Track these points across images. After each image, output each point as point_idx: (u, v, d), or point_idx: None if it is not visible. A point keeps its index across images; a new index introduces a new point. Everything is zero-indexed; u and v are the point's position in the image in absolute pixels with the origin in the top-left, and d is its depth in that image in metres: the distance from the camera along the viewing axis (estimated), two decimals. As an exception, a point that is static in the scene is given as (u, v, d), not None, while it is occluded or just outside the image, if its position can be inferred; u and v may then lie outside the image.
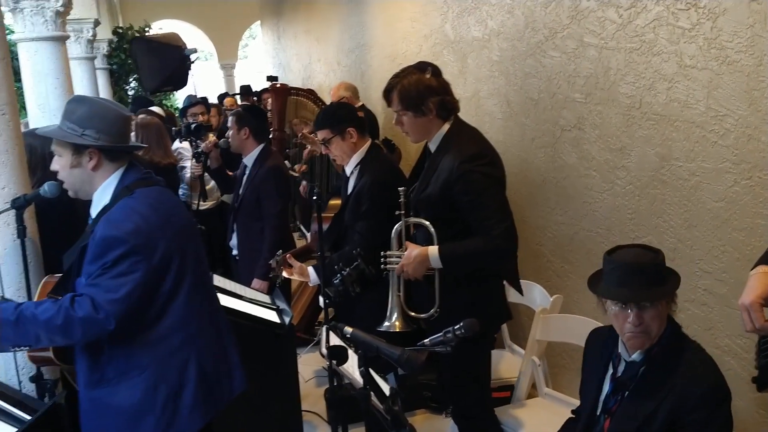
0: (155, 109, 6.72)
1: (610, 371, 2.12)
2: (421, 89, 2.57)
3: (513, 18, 3.67)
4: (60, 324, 2.01)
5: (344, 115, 3.26)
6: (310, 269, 3.07)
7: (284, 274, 3.01)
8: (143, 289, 2.08)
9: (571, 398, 3.01)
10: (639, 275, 1.95)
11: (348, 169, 3.26)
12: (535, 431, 2.82)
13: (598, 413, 2.12)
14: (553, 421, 2.85)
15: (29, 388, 2.49)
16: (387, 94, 2.65)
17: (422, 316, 2.65)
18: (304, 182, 5.51)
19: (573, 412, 2.38)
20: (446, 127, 2.62)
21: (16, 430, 2.05)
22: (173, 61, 8.00)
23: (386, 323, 2.67)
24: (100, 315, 2.01)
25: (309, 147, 5.33)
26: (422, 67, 2.63)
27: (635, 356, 2.03)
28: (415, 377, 3.81)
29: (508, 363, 3.50)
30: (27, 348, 2.15)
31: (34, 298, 2.46)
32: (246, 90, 10.06)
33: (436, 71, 2.64)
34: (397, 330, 2.66)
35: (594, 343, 2.24)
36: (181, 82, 8.48)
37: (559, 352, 3.59)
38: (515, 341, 3.65)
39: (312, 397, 3.98)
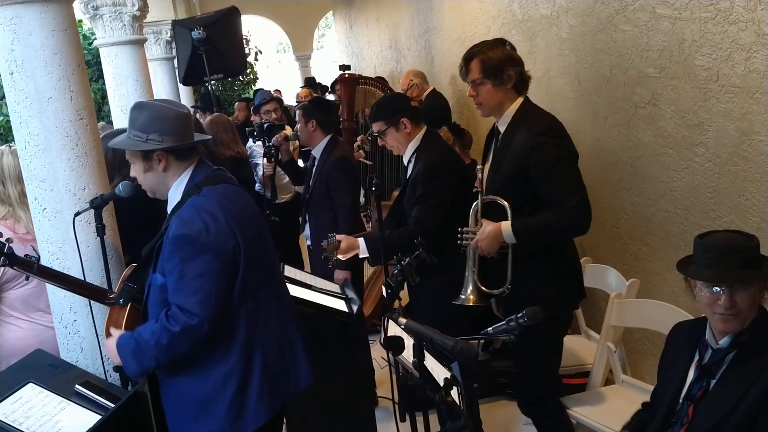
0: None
1: (696, 359, 2.06)
2: (504, 58, 2.62)
3: (581, -8, 3.54)
4: (166, 344, 2.11)
5: (396, 105, 3.28)
6: (361, 240, 3.11)
7: (338, 256, 3.04)
8: (223, 286, 2.14)
9: (650, 385, 2.89)
10: (732, 256, 1.93)
11: (405, 158, 3.29)
12: (609, 419, 2.74)
13: (681, 400, 2.06)
14: (629, 409, 2.76)
15: (114, 377, 2.60)
16: (466, 62, 2.67)
17: (494, 292, 2.67)
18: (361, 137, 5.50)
19: (643, 404, 2.32)
20: (517, 103, 2.64)
21: (100, 417, 2.16)
22: (188, 47, 6.67)
23: (461, 296, 2.71)
24: (194, 321, 2.08)
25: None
26: (501, 41, 2.70)
27: (723, 342, 1.97)
28: (489, 364, 3.78)
29: (585, 349, 3.41)
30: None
31: (116, 289, 2.58)
32: (310, 82, 10.15)
33: (512, 48, 2.70)
34: (471, 304, 2.69)
35: (677, 336, 2.20)
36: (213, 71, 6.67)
37: (639, 338, 3.47)
38: (591, 326, 3.56)
39: (388, 383, 4.01)
